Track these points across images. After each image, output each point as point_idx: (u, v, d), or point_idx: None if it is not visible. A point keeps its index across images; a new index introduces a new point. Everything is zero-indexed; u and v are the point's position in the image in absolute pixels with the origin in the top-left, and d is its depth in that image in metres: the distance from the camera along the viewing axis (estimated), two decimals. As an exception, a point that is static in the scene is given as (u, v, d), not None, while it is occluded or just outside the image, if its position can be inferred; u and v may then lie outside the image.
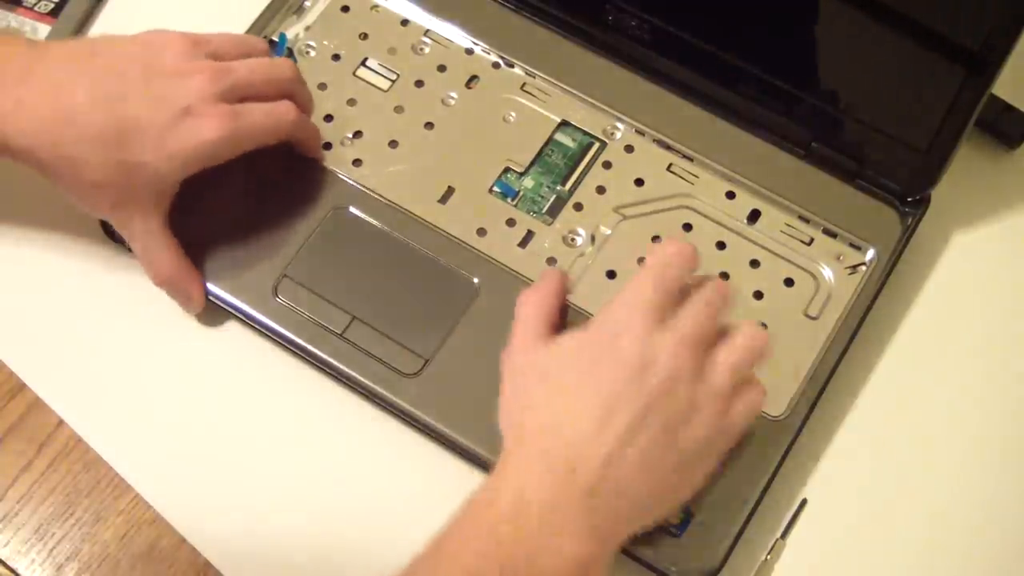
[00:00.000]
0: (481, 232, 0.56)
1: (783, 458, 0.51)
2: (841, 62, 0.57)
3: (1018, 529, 0.52)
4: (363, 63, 0.60)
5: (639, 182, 0.57)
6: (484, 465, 0.51)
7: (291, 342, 0.53)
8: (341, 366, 0.52)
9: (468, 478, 0.52)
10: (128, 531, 0.51)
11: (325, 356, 0.53)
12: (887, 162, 0.57)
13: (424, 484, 0.52)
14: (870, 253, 0.56)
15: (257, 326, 0.54)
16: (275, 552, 0.51)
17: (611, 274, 0.55)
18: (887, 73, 0.55)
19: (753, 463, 0.50)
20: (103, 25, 0.64)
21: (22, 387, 0.54)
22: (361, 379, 0.52)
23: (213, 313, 0.55)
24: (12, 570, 0.50)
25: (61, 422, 0.53)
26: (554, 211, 0.57)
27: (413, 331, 0.53)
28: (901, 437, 0.54)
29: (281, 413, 0.54)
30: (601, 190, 0.57)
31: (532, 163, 0.58)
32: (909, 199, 0.57)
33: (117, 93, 0.49)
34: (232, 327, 0.55)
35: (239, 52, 0.54)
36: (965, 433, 0.54)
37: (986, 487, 0.53)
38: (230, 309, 0.54)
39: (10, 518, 0.51)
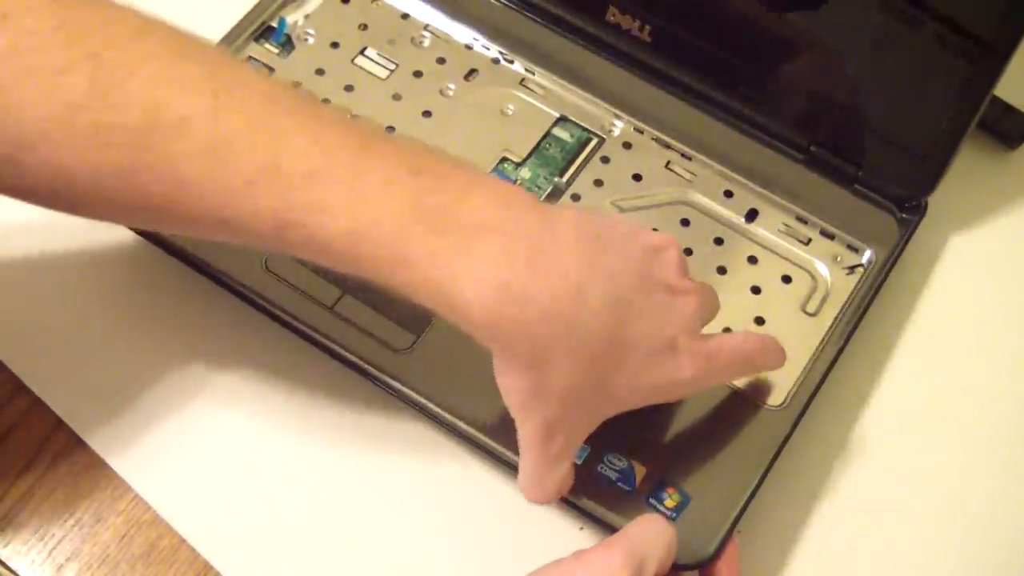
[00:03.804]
0: (477, 218, 0.55)
1: (781, 447, 0.49)
2: (840, 67, 0.57)
3: (1017, 532, 0.51)
4: (362, 52, 0.60)
5: (637, 177, 0.57)
6: (476, 443, 0.50)
7: (281, 317, 0.52)
8: (330, 341, 0.51)
9: (463, 460, 0.51)
10: (128, 531, 0.50)
11: (315, 330, 0.51)
12: (885, 168, 0.57)
13: (425, 469, 0.51)
14: (867, 255, 0.56)
15: (248, 302, 0.52)
16: (275, 551, 0.50)
17: (607, 263, 0.54)
18: (886, 80, 0.56)
19: (751, 451, 0.49)
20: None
21: (22, 387, 0.52)
22: (351, 355, 0.51)
23: (211, 309, 0.54)
24: (12, 570, 0.49)
25: (61, 422, 0.52)
26: (551, 200, 0.56)
27: (404, 307, 0.51)
28: (901, 436, 0.53)
29: (281, 409, 0.52)
30: (599, 183, 0.57)
31: (529, 155, 0.57)
32: (906, 204, 0.57)
33: (623, 300, 0.42)
34: (230, 322, 0.54)
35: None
36: (964, 435, 0.54)
37: (981, 490, 0.53)
38: (221, 285, 0.53)
39: (10, 518, 0.50)
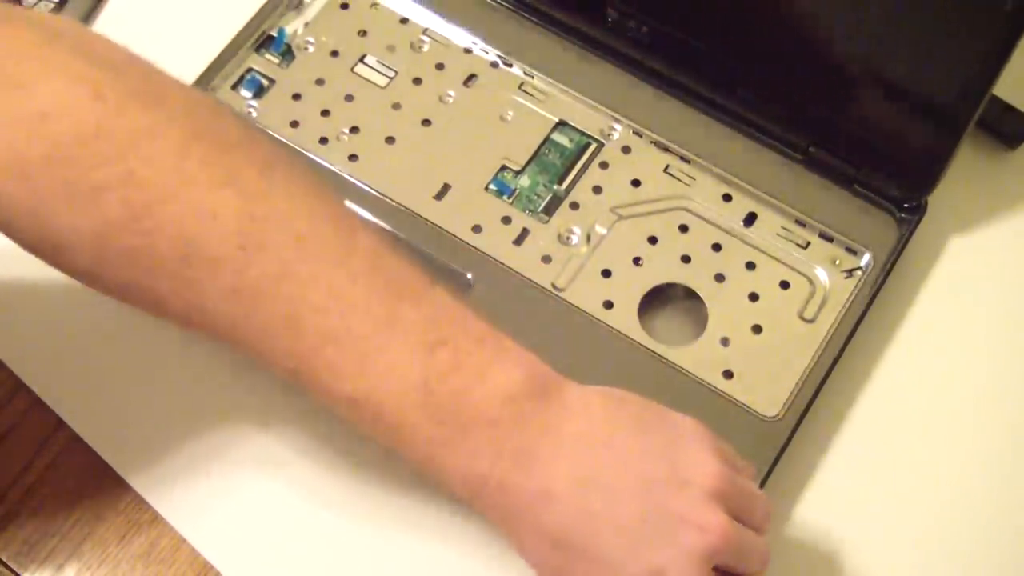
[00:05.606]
0: (476, 229, 0.56)
1: (777, 459, 0.50)
2: (839, 66, 0.56)
3: (1017, 533, 0.52)
4: (361, 60, 0.60)
5: (636, 183, 0.57)
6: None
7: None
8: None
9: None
10: (128, 531, 0.50)
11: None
12: (884, 168, 0.56)
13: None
14: (866, 258, 0.56)
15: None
16: (275, 552, 0.50)
17: (606, 272, 0.55)
18: (885, 79, 0.55)
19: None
20: (104, 25, 0.63)
21: (22, 387, 0.53)
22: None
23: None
24: (12, 570, 0.49)
25: (61, 422, 0.52)
26: (550, 210, 0.56)
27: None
28: (898, 442, 0.54)
29: (282, 410, 0.53)
30: (598, 190, 0.57)
31: (529, 162, 0.58)
32: (905, 205, 0.57)
33: (603, 514, 0.41)
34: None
35: (757, 519, 0.45)
36: (963, 438, 0.54)
37: (980, 493, 0.53)
38: None
39: (10, 518, 0.50)
